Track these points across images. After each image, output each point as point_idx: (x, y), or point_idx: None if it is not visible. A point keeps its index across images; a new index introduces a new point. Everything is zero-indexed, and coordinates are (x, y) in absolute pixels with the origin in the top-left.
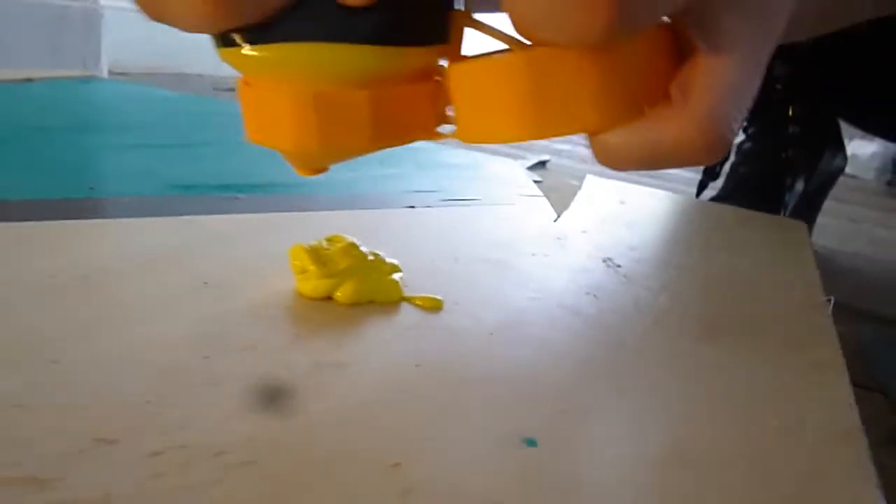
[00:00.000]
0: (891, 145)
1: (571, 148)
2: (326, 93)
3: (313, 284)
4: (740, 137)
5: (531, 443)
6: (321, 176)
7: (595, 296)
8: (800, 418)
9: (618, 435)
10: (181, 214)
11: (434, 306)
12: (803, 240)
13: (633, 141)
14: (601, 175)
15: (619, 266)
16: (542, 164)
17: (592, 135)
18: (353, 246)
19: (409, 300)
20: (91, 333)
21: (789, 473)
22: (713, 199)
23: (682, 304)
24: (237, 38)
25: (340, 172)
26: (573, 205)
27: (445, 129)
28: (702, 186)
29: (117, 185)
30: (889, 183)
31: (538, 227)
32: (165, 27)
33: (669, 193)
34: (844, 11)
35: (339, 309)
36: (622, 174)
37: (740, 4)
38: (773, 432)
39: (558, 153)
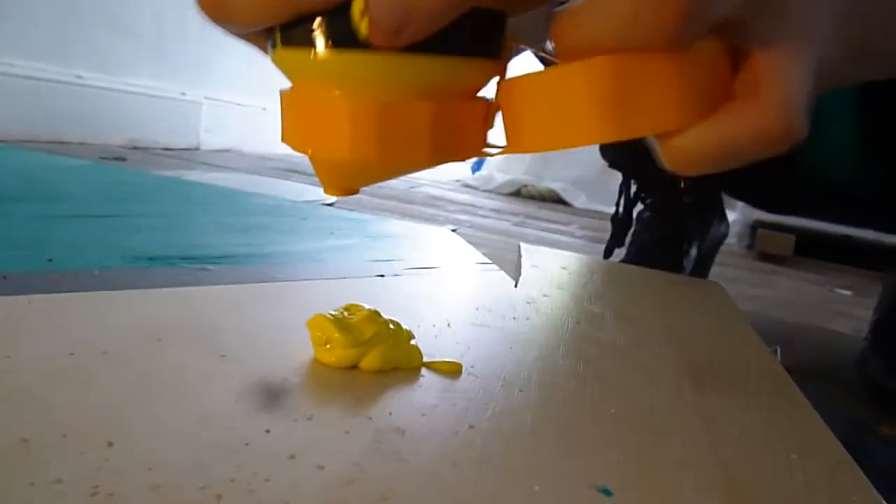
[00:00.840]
0: (748, 214)
1: (470, 218)
2: (392, 102)
3: (339, 354)
4: (640, 207)
5: (607, 492)
6: (283, 246)
7: (587, 356)
8: (803, 451)
9: (677, 469)
10: (160, 286)
11: (455, 370)
12: (726, 297)
13: (709, 140)
14: (507, 241)
15: (590, 325)
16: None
17: (666, 138)
18: (377, 314)
19: (429, 366)
20: (138, 411)
21: (817, 495)
22: (621, 262)
23: (661, 358)
24: (305, 38)
25: (299, 244)
26: (524, 272)
27: (491, 148)
28: (608, 252)
29: (76, 257)
30: (749, 247)
31: (505, 293)
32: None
33: (603, 260)
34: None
35: (365, 377)
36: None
37: (782, 9)
38: (790, 465)
39: (460, 223)
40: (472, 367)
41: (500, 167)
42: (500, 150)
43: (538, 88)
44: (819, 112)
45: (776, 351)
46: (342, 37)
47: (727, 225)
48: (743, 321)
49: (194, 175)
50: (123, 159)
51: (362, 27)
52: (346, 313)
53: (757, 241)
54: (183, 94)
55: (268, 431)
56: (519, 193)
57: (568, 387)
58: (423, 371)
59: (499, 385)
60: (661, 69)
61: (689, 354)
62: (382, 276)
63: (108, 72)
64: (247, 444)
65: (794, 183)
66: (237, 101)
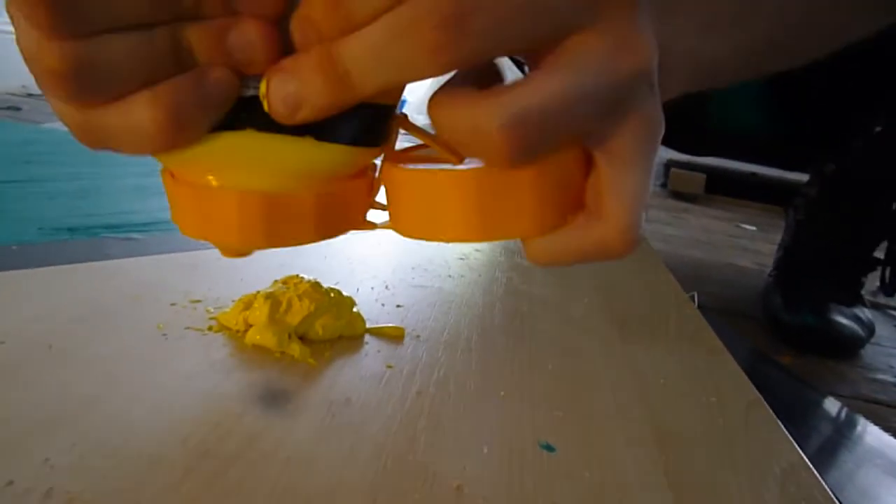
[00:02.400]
0: (662, 154)
1: None
2: (274, 193)
3: (274, 333)
4: None
5: (549, 449)
6: None
7: (521, 312)
8: (721, 394)
9: (612, 421)
10: (89, 259)
11: (398, 335)
12: (646, 244)
13: (561, 248)
14: None
15: (522, 280)
16: None
17: (527, 240)
18: (318, 285)
19: (373, 332)
20: (83, 401)
21: (730, 433)
22: None
23: (591, 310)
24: None
25: None
26: None
27: (378, 219)
28: None
29: None
30: (662, 185)
31: (438, 250)
32: None
33: None
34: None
35: (312, 347)
36: None
37: (633, 127)
38: (710, 408)
39: None
40: (413, 330)
41: (421, 109)
42: (383, 223)
43: (417, 186)
44: None
45: (693, 297)
46: (233, 120)
47: None
48: (661, 267)
49: None
50: (17, 109)
51: (265, 104)
52: (283, 286)
53: (670, 179)
54: None
55: (223, 413)
56: None
57: (506, 345)
58: (368, 338)
59: (441, 348)
60: (521, 184)
61: (616, 305)
62: None
63: None
64: (202, 431)
65: (706, 129)
66: None
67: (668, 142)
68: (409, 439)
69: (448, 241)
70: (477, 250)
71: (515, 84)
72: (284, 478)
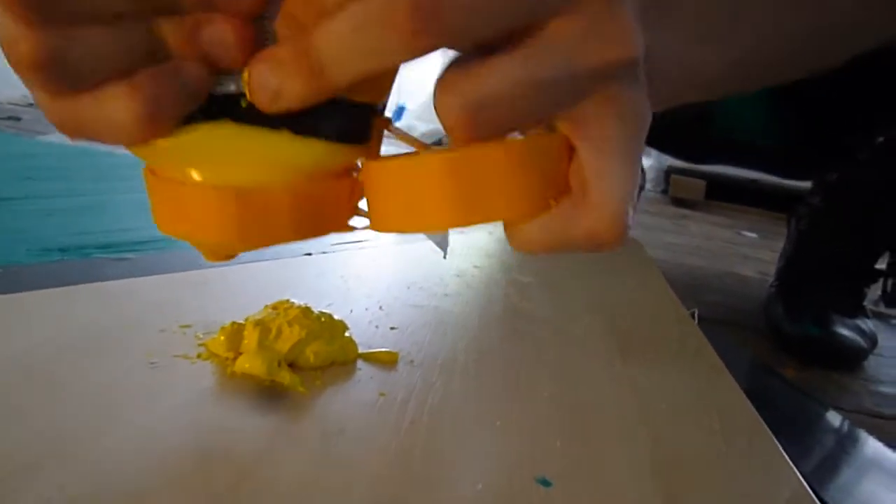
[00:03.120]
0: (664, 160)
1: None
2: (249, 189)
3: (263, 361)
4: None
5: (546, 483)
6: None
7: (520, 332)
8: (723, 418)
9: (612, 448)
10: (81, 281)
11: (391, 360)
12: (644, 255)
13: (546, 234)
14: None
15: (521, 297)
16: None
17: (511, 224)
18: (309, 310)
19: (366, 357)
20: (72, 432)
21: (732, 461)
22: None
23: (590, 329)
24: None
25: None
26: (451, 239)
27: (358, 222)
28: None
29: None
30: (663, 192)
31: (435, 266)
32: None
33: None
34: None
35: (304, 374)
36: None
37: (614, 115)
38: (712, 435)
39: None
40: (408, 354)
41: (421, 116)
42: (365, 226)
43: (393, 175)
44: None
45: (694, 314)
46: (209, 113)
47: (643, 174)
48: (662, 282)
49: None
50: (18, 119)
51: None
52: (273, 312)
53: (671, 186)
54: None
55: (209, 449)
56: (440, 143)
57: (504, 369)
58: (360, 363)
59: (436, 374)
60: (499, 165)
61: (616, 323)
62: (310, 254)
63: None
64: (192, 466)
65: (709, 138)
66: None
67: (671, 149)
68: (404, 473)
69: (428, 229)
70: (475, 266)
71: (483, 64)
72: None
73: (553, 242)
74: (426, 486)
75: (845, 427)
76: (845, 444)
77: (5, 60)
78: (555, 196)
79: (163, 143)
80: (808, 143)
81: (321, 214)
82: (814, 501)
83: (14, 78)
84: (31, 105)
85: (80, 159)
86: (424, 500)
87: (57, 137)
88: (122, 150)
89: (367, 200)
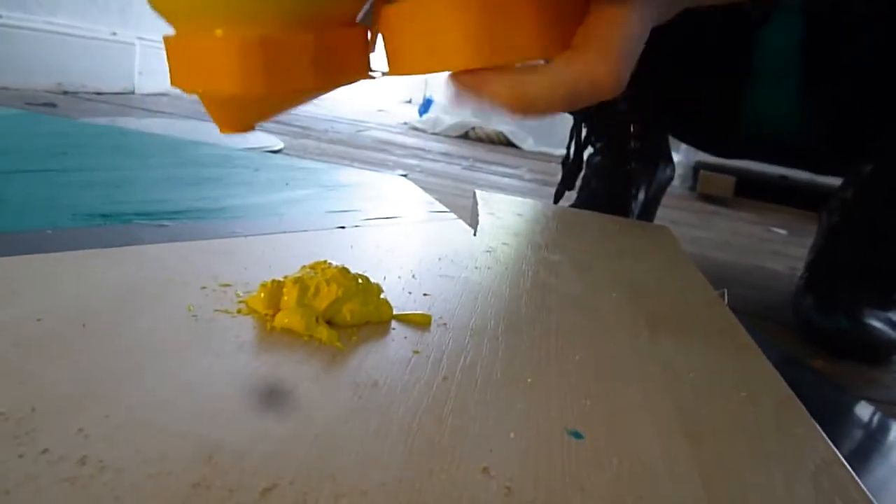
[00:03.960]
0: (692, 156)
1: (420, 163)
2: (273, 36)
3: (302, 317)
4: (590, 151)
5: (577, 436)
6: (239, 200)
7: (548, 305)
8: (751, 390)
9: (641, 412)
10: (118, 245)
11: (425, 322)
12: (674, 242)
13: (554, 85)
14: (458, 187)
15: (549, 274)
16: (403, 176)
17: (516, 85)
18: (346, 270)
19: (400, 318)
20: (118, 377)
21: (762, 429)
22: (571, 206)
23: (618, 306)
24: None
25: (255, 197)
26: (481, 220)
27: (375, 72)
28: (558, 195)
29: (22, 217)
30: (691, 188)
31: (465, 242)
32: None
33: (555, 206)
34: None
35: (340, 332)
36: (482, 185)
37: None
38: (740, 403)
39: (410, 168)
40: (440, 318)
41: (448, 109)
42: (383, 73)
43: (411, 15)
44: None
45: (723, 294)
46: None
47: (673, 169)
48: (690, 265)
49: (131, 121)
50: (53, 105)
51: None
52: (311, 272)
53: (699, 182)
54: (114, 34)
55: (250, 392)
56: (467, 136)
57: (533, 335)
58: (394, 324)
59: (468, 336)
60: (524, 3)
61: (644, 300)
62: (343, 227)
63: (27, 10)
64: (231, 408)
65: (738, 132)
66: None
67: (698, 143)
68: (436, 422)
69: (451, 68)
70: (504, 244)
71: None
72: (312, 454)
73: (558, 95)
74: (458, 434)
75: (876, 418)
76: (877, 435)
77: (39, 49)
78: (569, 40)
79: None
80: (837, 138)
81: (339, 62)
82: (845, 467)
83: (49, 66)
84: (65, 93)
85: (111, 138)
86: (456, 446)
87: (89, 119)
88: (147, 127)
89: (386, 46)
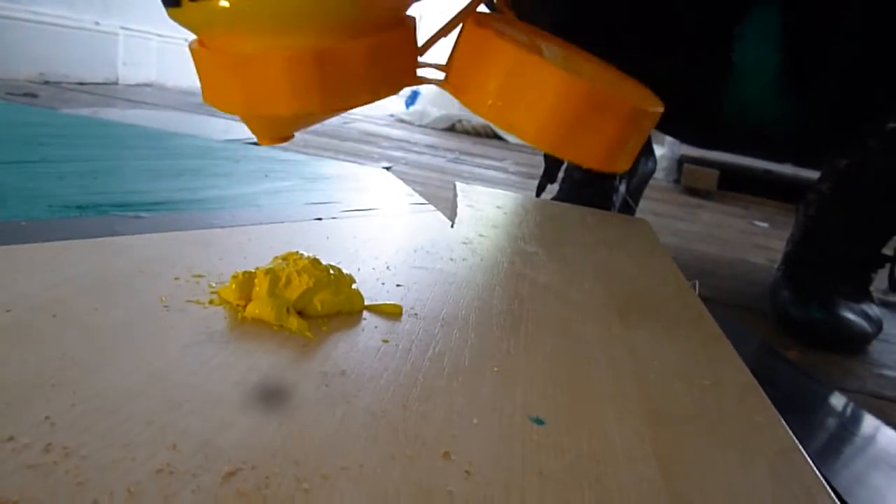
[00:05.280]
0: (676, 149)
1: (405, 155)
2: (328, 49)
3: (273, 307)
4: None
5: (539, 422)
6: (218, 191)
7: (521, 295)
8: (716, 378)
9: (604, 399)
10: (98, 235)
11: (396, 312)
12: (651, 234)
13: None
14: (442, 179)
15: (525, 265)
16: (386, 169)
17: None
18: (317, 261)
19: (371, 309)
20: (86, 366)
21: (723, 415)
22: (553, 199)
23: (591, 296)
24: None
25: (234, 188)
26: (460, 212)
27: (429, 73)
28: (541, 188)
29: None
30: (676, 181)
31: (442, 234)
32: None
33: (536, 199)
34: None
35: (310, 322)
36: (467, 178)
37: None
38: (703, 391)
39: (395, 160)
40: (412, 308)
41: (434, 101)
42: (438, 80)
43: (507, 61)
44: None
45: (695, 285)
46: None
47: (654, 161)
48: (666, 256)
49: (114, 112)
50: (34, 95)
51: None
52: (283, 262)
53: (683, 175)
54: (97, 23)
55: (218, 381)
56: (453, 128)
57: (504, 326)
58: (366, 314)
59: (438, 326)
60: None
61: (617, 291)
62: (320, 219)
63: None
64: (198, 396)
65: (720, 123)
66: (157, 32)
67: (681, 135)
68: (401, 409)
69: (518, 134)
70: (481, 235)
71: None
72: (276, 441)
73: None
74: (422, 421)
75: (849, 409)
76: (849, 425)
77: (20, 38)
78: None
79: (230, 6)
80: (817, 131)
81: (391, 68)
82: (802, 454)
83: (30, 56)
84: (46, 83)
85: (91, 128)
86: (420, 432)
87: (71, 111)
88: (130, 119)
89: (460, 61)
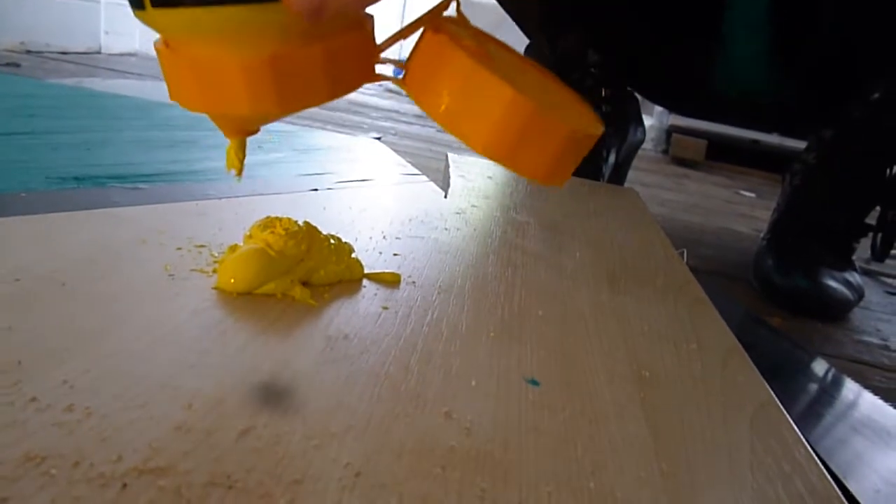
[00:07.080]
0: (665, 119)
1: (395, 125)
2: (282, 53)
3: (278, 283)
4: None
5: (534, 383)
6: (212, 162)
7: (514, 263)
8: (701, 341)
9: (595, 361)
10: (93, 208)
11: (395, 280)
12: (641, 204)
13: None
14: (432, 149)
15: (517, 234)
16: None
17: None
18: (316, 230)
19: (370, 277)
20: (96, 333)
21: (707, 375)
22: None
23: (581, 263)
24: None
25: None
26: (452, 182)
27: (385, 70)
28: None
29: None
30: (664, 151)
31: (435, 204)
32: None
33: None
34: None
35: (312, 289)
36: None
37: None
38: (689, 354)
39: (384, 130)
40: (409, 276)
41: None
42: (397, 79)
43: (466, 77)
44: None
45: (682, 253)
46: None
47: (643, 131)
48: (654, 226)
49: (97, 82)
50: (17, 65)
51: None
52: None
53: (671, 145)
54: None
55: (227, 345)
56: None
57: (498, 292)
58: (365, 282)
59: (435, 293)
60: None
61: (607, 259)
62: (316, 190)
63: None
64: (208, 360)
65: (709, 92)
66: None
67: (670, 103)
68: (403, 371)
69: (468, 145)
70: (474, 206)
71: None
72: (285, 401)
73: None
74: (423, 382)
75: (831, 373)
76: (830, 389)
77: (1, 9)
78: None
79: (180, 17)
80: (805, 100)
81: (349, 68)
82: (780, 409)
83: (12, 25)
84: (28, 52)
85: (80, 99)
86: (421, 393)
87: (56, 80)
88: (115, 88)
89: (417, 68)
